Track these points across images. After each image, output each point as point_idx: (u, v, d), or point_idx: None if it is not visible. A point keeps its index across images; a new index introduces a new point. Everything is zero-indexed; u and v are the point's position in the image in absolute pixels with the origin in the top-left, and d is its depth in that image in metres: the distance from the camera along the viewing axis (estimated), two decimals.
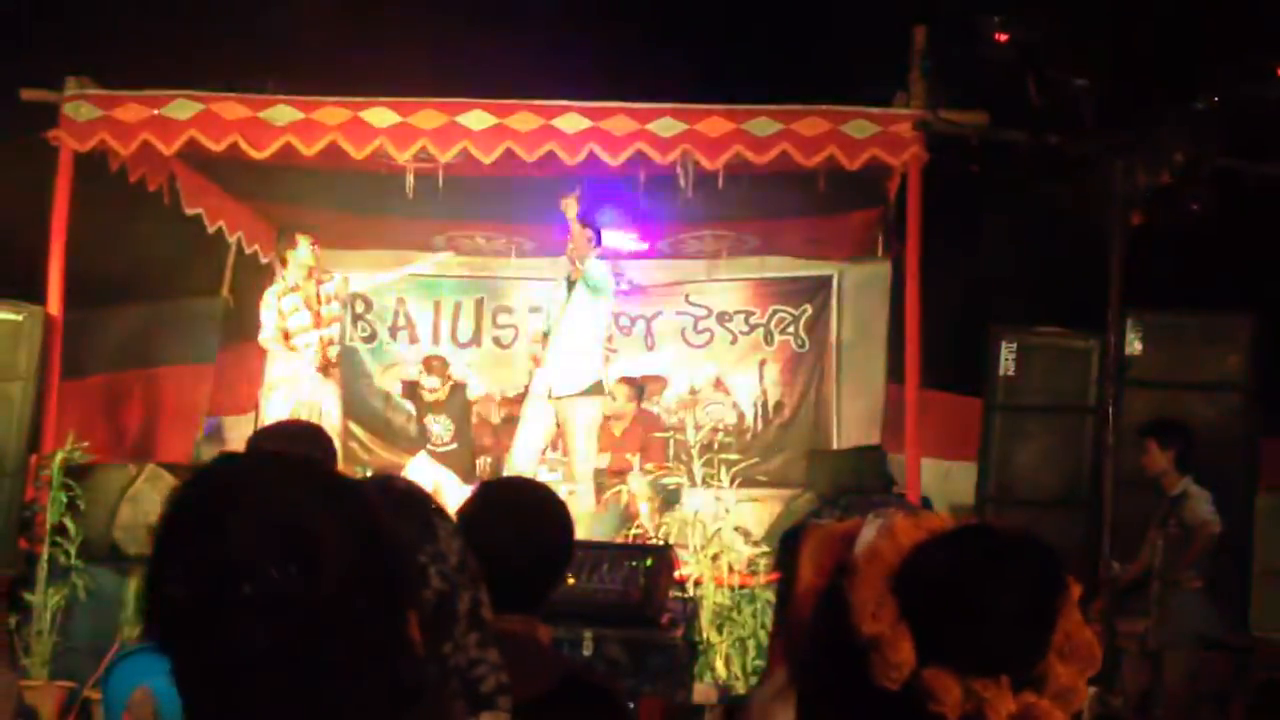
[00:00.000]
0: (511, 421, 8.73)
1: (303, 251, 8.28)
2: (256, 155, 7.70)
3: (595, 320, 8.18)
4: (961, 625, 1.08)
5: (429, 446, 8.76)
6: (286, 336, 8.23)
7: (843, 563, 1.65)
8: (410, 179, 8.39)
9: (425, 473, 8.39)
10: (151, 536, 1.24)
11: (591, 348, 8.16)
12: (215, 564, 1.15)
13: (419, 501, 1.87)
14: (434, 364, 8.93)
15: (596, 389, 8.17)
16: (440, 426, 8.74)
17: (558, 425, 8.15)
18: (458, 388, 8.92)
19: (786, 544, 1.77)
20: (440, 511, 1.89)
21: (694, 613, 6.30)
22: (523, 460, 8.13)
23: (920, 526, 1.14)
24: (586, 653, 4.72)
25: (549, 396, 8.09)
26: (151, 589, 1.20)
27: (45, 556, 6.91)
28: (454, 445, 8.73)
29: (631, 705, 2.62)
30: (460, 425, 8.79)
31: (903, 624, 1.08)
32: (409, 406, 9.18)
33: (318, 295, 8.30)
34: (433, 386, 8.77)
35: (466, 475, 8.52)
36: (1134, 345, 6.59)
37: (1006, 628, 1.08)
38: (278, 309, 8.22)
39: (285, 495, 1.21)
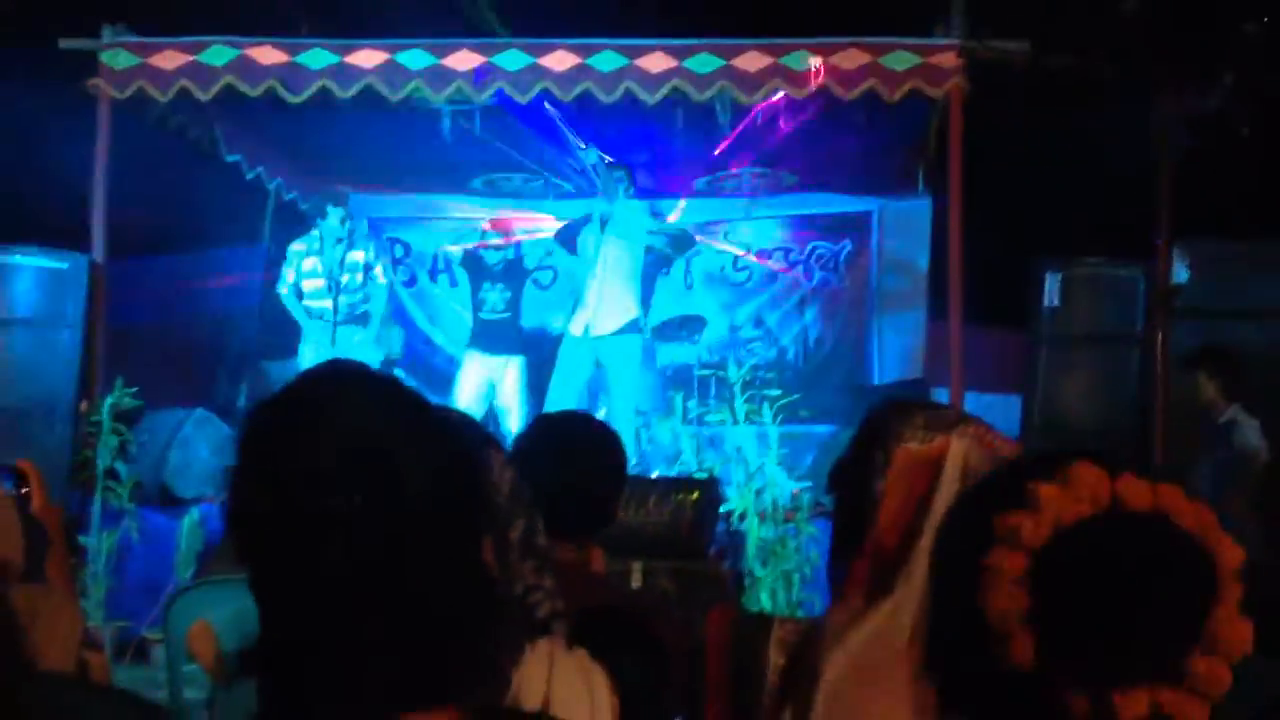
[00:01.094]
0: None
1: (333, 223, 8.30)
2: (293, 100, 7.69)
3: (630, 260, 8.17)
4: (1103, 638, 1.00)
5: (480, 316, 8.77)
6: (300, 296, 8.31)
7: (933, 493, 1.60)
8: (447, 122, 8.39)
9: (472, 374, 8.48)
10: (236, 449, 1.26)
11: (628, 286, 8.15)
12: (298, 480, 1.17)
13: (471, 432, 1.89)
14: (499, 224, 8.93)
15: (633, 327, 8.18)
16: (496, 294, 8.75)
17: (596, 365, 8.18)
18: (517, 260, 8.93)
19: (850, 465, 1.72)
20: (492, 440, 1.91)
21: (740, 545, 6.33)
22: (561, 402, 8.16)
23: (1070, 496, 1.02)
24: (635, 584, 4.76)
25: (587, 336, 8.11)
26: (234, 502, 1.23)
27: (98, 500, 7.01)
28: (507, 314, 8.75)
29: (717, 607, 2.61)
30: (515, 295, 8.79)
31: (1028, 626, 1.01)
32: (465, 278, 9.12)
33: (342, 263, 8.31)
34: (497, 243, 8.76)
35: (514, 345, 8.58)
36: (1180, 274, 6.52)
37: (1153, 641, 1.01)
38: (297, 267, 8.28)
39: (370, 414, 1.22)
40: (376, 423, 1.22)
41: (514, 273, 8.89)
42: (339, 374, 1.29)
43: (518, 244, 9.30)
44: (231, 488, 1.24)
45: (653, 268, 8.90)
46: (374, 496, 1.17)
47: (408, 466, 1.19)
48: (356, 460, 1.18)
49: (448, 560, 1.21)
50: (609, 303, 8.05)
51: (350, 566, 1.16)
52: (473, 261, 9.00)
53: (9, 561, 1.98)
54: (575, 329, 8.19)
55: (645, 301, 8.59)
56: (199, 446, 7.39)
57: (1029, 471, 1.06)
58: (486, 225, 9.13)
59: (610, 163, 8.21)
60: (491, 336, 8.67)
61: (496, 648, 1.32)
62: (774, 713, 1.59)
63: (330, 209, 8.36)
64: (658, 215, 9.47)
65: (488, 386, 8.61)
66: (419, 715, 1.17)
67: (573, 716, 1.65)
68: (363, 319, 8.41)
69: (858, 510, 1.63)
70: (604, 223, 8.10)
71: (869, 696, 1.46)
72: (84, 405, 7.40)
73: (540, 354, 8.70)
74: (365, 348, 8.36)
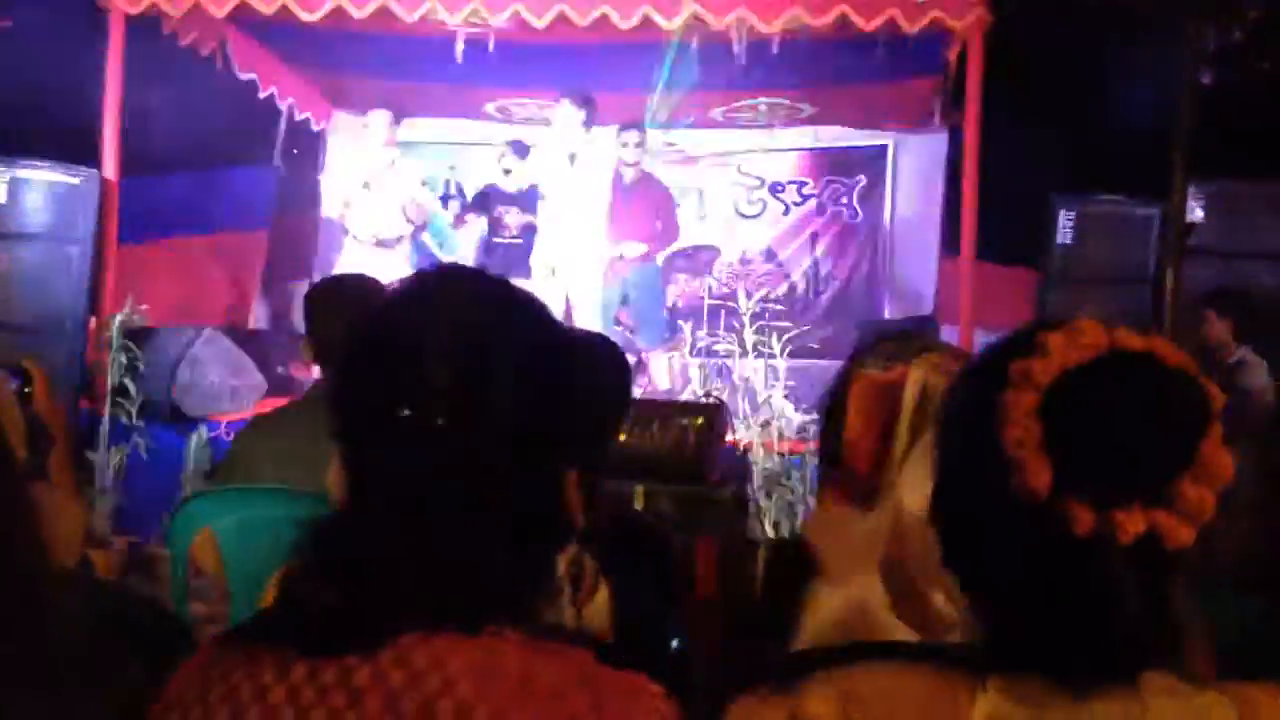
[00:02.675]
0: None
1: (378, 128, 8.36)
2: (307, 18, 7.62)
3: (595, 196, 8.17)
4: (1105, 460, 1.10)
5: (494, 240, 8.77)
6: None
7: (895, 411, 1.67)
8: (460, 44, 8.31)
9: None
10: (344, 347, 1.30)
11: (594, 225, 8.17)
12: (395, 384, 1.22)
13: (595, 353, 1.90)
14: (518, 146, 8.88)
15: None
16: (512, 217, 8.73)
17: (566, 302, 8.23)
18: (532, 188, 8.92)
19: (832, 393, 1.80)
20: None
21: (745, 472, 6.36)
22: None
23: (1074, 344, 1.13)
24: (638, 506, 4.78)
25: (553, 274, 8.15)
26: (340, 393, 1.28)
27: (107, 416, 7.05)
28: (519, 239, 8.72)
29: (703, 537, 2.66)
30: (529, 220, 8.73)
31: (1044, 452, 1.10)
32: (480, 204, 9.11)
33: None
34: (510, 168, 8.74)
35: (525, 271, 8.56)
36: (1195, 213, 6.47)
37: (1150, 463, 1.11)
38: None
39: (475, 331, 1.26)
40: (482, 343, 1.25)
41: (529, 198, 8.85)
42: (460, 284, 1.32)
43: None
44: (339, 378, 1.29)
45: (666, 199, 8.87)
46: (459, 416, 1.21)
47: (501, 393, 1.23)
48: (450, 377, 1.22)
49: (523, 488, 1.24)
50: (573, 239, 8.11)
51: (425, 475, 1.21)
52: (483, 197, 8.96)
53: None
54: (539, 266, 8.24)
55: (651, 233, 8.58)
56: (208, 365, 7.40)
57: (1037, 328, 1.18)
58: (503, 151, 9.04)
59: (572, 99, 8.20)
60: (505, 259, 8.67)
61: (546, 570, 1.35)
62: (762, 610, 1.66)
63: (372, 114, 8.39)
64: (669, 145, 9.45)
65: None
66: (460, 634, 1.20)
67: None
68: (394, 241, 8.44)
69: (833, 436, 1.69)
70: (572, 157, 8.11)
71: (840, 584, 1.53)
72: (94, 322, 7.42)
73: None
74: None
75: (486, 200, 8.90)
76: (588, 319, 8.02)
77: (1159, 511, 1.10)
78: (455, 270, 1.38)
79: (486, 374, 1.22)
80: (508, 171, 8.86)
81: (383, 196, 8.44)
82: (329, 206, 9.16)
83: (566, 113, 8.19)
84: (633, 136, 8.58)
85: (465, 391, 1.21)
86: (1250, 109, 6.49)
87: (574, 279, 8.21)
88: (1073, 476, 1.10)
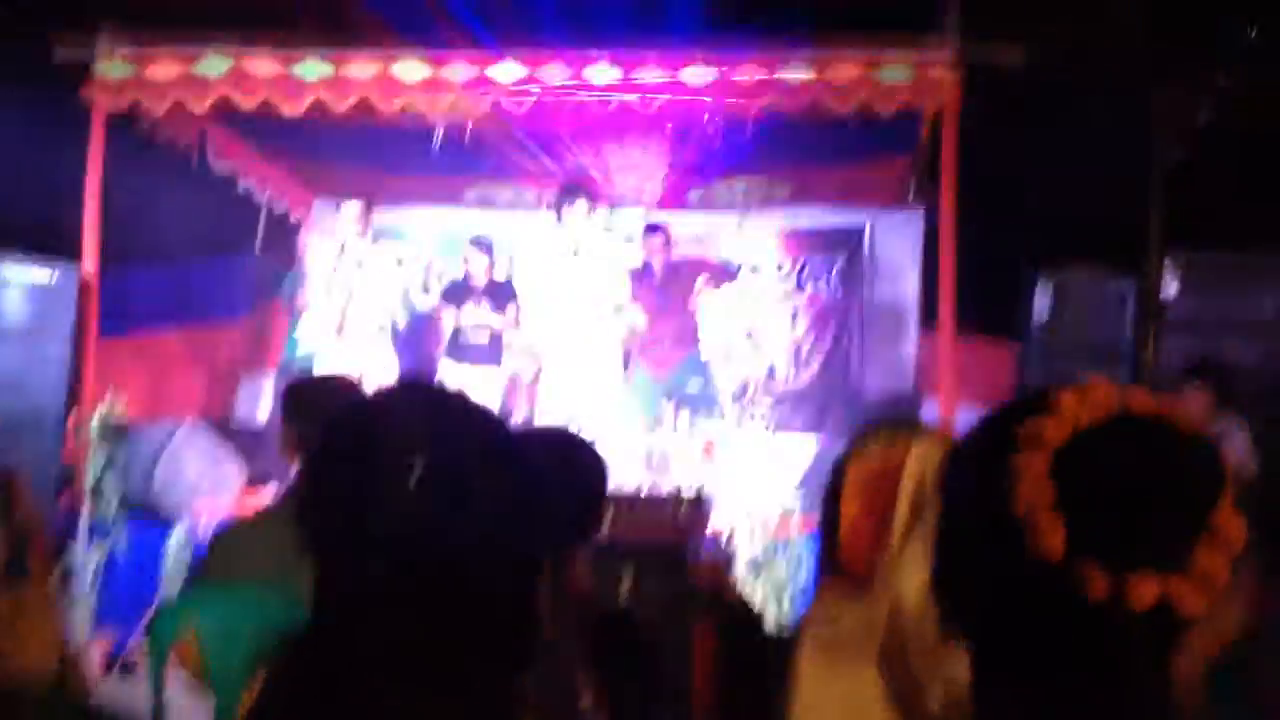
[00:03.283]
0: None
1: (348, 219, 8.45)
2: (288, 113, 7.67)
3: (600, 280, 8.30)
4: (1119, 522, 1.09)
5: (461, 332, 8.78)
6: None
7: (893, 498, 1.66)
8: (440, 134, 8.37)
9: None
10: (308, 462, 1.30)
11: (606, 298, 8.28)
12: (370, 496, 1.20)
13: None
14: (480, 242, 8.90)
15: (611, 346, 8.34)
16: (482, 311, 8.74)
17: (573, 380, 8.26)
18: (503, 284, 8.93)
19: (829, 485, 1.80)
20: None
21: (729, 560, 6.31)
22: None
23: (1086, 404, 1.12)
24: (624, 594, 4.73)
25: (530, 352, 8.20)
26: (309, 510, 1.26)
27: (86, 514, 6.97)
28: (487, 331, 8.73)
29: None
30: (499, 311, 8.74)
31: (1058, 513, 1.09)
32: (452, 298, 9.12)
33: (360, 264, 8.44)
34: (475, 273, 8.77)
35: (494, 358, 8.61)
36: (1170, 287, 6.53)
37: (1164, 528, 1.09)
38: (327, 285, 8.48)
39: (451, 441, 1.25)
40: (459, 453, 1.24)
41: (500, 291, 8.86)
42: (425, 398, 1.32)
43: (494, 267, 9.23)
44: (305, 499, 1.28)
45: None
46: (439, 521, 1.20)
47: (479, 497, 1.22)
48: (430, 484, 1.21)
49: (502, 591, 1.24)
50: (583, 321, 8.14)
51: (407, 583, 1.20)
52: (455, 289, 8.98)
53: None
54: (551, 346, 8.25)
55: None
56: (187, 460, 7.34)
57: (1049, 389, 1.17)
58: (470, 248, 9.07)
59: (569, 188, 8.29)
60: (473, 351, 8.68)
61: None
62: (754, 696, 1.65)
63: (344, 204, 8.46)
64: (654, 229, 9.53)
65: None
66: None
67: None
68: (370, 330, 8.47)
69: (831, 527, 1.68)
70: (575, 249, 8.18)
71: (836, 675, 1.51)
72: (73, 418, 7.37)
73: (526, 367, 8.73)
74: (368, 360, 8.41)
75: (459, 292, 8.91)
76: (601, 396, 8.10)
77: (1173, 578, 1.08)
78: (414, 387, 1.37)
79: (455, 488, 1.22)
80: (477, 262, 8.89)
81: (358, 286, 8.47)
82: (305, 297, 9.16)
83: (577, 208, 8.22)
84: (658, 238, 8.79)
85: (432, 504, 1.20)
86: (1222, 182, 6.57)
87: (581, 367, 8.21)
88: (1086, 540, 1.08)
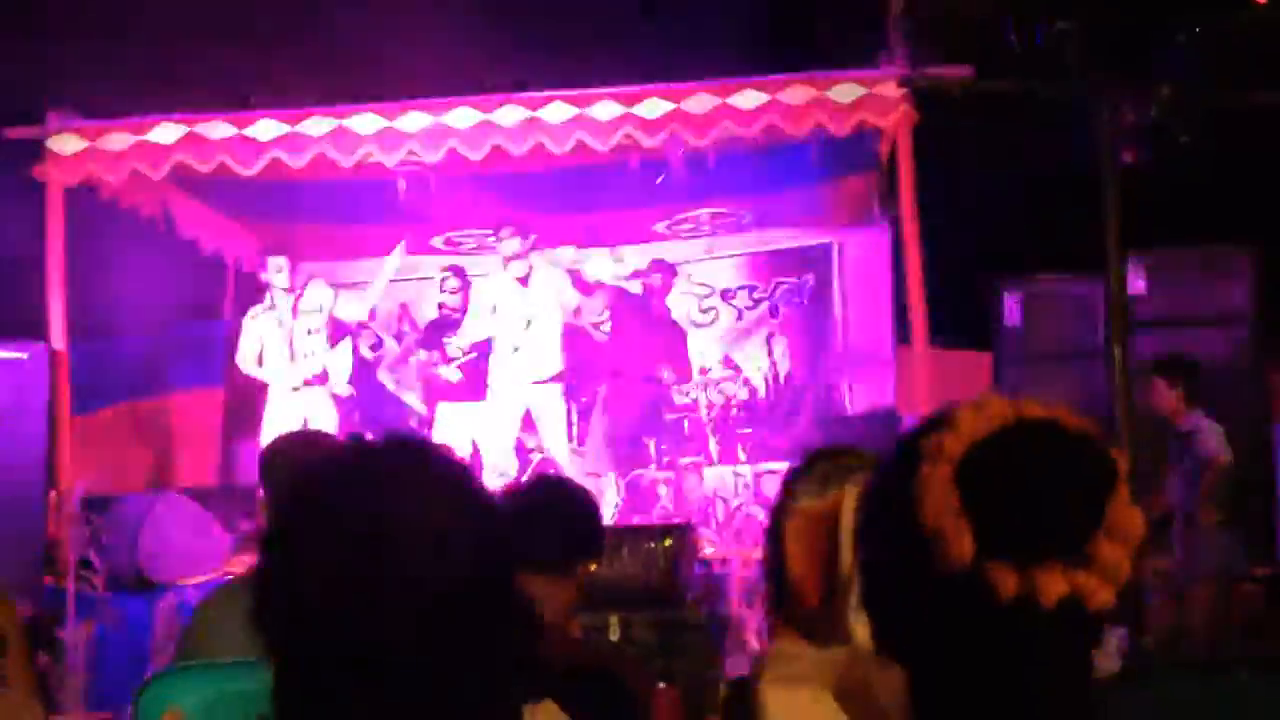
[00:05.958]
0: None
1: (275, 275, 8.45)
2: (245, 173, 7.69)
3: (556, 310, 8.41)
4: (1020, 519, 1.12)
5: (440, 369, 8.80)
6: (260, 362, 8.49)
7: (835, 541, 1.66)
8: (401, 184, 8.39)
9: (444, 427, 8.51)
10: (265, 538, 1.26)
11: (555, 336, 8.34)
12: (354, 561, 1.19)
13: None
14: (458, 271, 8.99)
15: (562, 376, 8.44)
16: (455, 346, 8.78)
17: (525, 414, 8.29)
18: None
19: (769, 528, 1.80)
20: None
21: (721, 589, 6.30)
22: (498, 451, 8.25)
23: (982, 417, 1.16)
24: (614, 637, 4.73)
25: (516, 384, 8.22)
26: (276, 589, 1.23)
27: (72, 591, 6.93)
28: (473, 354, 8.76)
29: (662, 685, 2.64)
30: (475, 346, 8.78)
31: (964, 518, 1.12)
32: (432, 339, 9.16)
33: (294, 311, 8.45)
34: (452, 289, 8.83)
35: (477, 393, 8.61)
36: (1137, 285, 6.56)
37: (1063, 520, 1.13)
38: (255, 333, 8.40)
39: (426, 493, 1.25)
40: (433, 504, 1.24)
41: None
42: (393, 455, 1.29)
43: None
44: (267, 579, 1.25)
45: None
46: (429, 572, 1.19)
47: (458, 547, 1.22)
48: (412, 540, 1.20)
49: (480, 643, 1.23)
50: (538, 350, 8.25)
51: (407, 638, 1.19)
52: (435, 326, 9.01)
53: None
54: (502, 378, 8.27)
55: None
56: (171, 528, 7.30)
57: (948, 409, 1.21)
58: (445, 276, 9.14)
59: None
60: (453, 386, 8.71)
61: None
62: None
63: (270, 260, 8.48)
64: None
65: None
66: None
67: None
68: (323, 377, 8.46)
69: (776, 572, 1.68)
70: (524, 279, 8.26)
71: (798, 700, 1.52)
72: (53, 495, 7.33)
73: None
74: (327, 407, 8.41)
75: (433, 333, 8.95)
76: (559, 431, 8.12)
77: (1078, 572, 1.12)
78: (394, 443, 1.36)
79: (445, 534, 1.21)
80: (454, 293, 8.94)
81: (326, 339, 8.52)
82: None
83: (509, 242, 8.33)
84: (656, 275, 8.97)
85: (432, 552, 1.20)
86: (1179, 181, 6.63)
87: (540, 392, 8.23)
88: (992, 541, 1.12)
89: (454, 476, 1.29)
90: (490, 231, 9.17)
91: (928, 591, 1.15)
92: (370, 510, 1.22)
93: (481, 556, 1.25)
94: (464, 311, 8.87)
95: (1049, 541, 1.12)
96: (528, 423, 8.41)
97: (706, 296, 10.32)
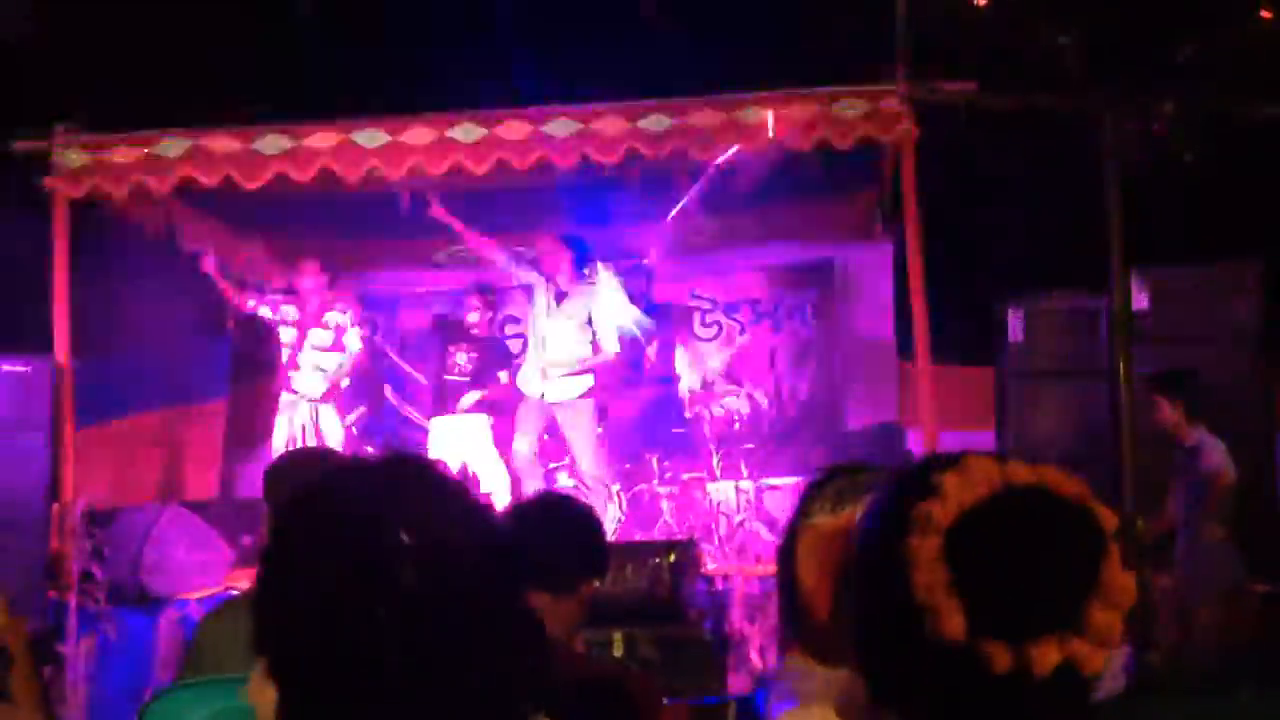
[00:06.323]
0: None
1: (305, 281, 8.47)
2: (250, 187, 7.69)
3: (584, 324, 8.32)
4: (1012, 596, 1.13)
5: (445, 377, 8.80)
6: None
7: (850, 558, 1.66)
8: (406, 197, 8.40)
9: (444, 439, 8.47)
10: (267, 553, 1.26)
11: (583, 351, 8.25)
12: (354, 576, 1.19)
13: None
14: (485, 296, 8.98)
15: (593, 391, 8.33)
16: (463, 357, 8.77)
17: (548, 428, 8.24)
18: (496, 338, 8.96)
19: (783, 546, 1.79)
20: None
21: (723, 605, 6.28)
22: (523, 465, 8.21)
23: (968, 484, 1.16)
24: (617, 654, 4.71)
25: (543, 398, 8.16)
26: (276, 604, 1.23)
27: (74, 605, 6.92)
28: (466, 378, 8.76)
29: (670, 703, 2.64)
30: (482, 358, 8.80)
31: (954, 594, 1.13)
32: (436, 341, 9.13)
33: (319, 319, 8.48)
34: (473, 321, 8.85)
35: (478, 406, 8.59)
36: (1140, 301, 6.55)
37: (1055, 593, 1.13)
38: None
39: (428, 509, 1.25)
40: (436, 519, 1.24)
41: (487, 341, 8.91)
42: (398, 470, 1.30)
43: (495, 317, 9.33)
44: (269, 593, 1.25)
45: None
46: (430, 584, 1.19)
47: (460, 558, 1.22)
48: (414, 553, 1.20)
49: (484, 658, 1.22)
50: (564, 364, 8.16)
51: (406, 648, 1.18)
52: (446, 326, 9.04)
53: None
54: (530, 392, 8.26)
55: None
56: (173, 542, 7.30)
57: (932, 468, 1.20)
58: (470, 295, 9.14)
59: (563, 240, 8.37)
60: (454, 397, 8.70)
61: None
62: None
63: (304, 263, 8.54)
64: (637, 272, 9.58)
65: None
66: None
67: None
68: (333, 392, 8.48)
69: (789, 588, 1.67)
70: (560, 298, 8.20)
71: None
72: (56, 508, 7.32)
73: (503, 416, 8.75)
74: (334, 423, 8.42)
75: (452, 332, 8.99)
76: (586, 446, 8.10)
77: (1072, 640, 1.12)
78: (396, 463, 1.36)
79: (447, 547, 1.21)
80: (475, 311, 8.94)
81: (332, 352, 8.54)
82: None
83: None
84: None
85: (434, 566, 1.20)
86: (1183, 196, 6.63)
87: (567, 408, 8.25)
88: (985, 616, 1.12)
89: (454, 492, 1.29)
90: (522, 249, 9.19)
91: (920, 657, 1.16)
92: (371, 525, 1.21)
93: (483, 571, 1.25)
94: (485, 328, 8.87)
95: (1042, 616, 1.13)
96: (553, 433, 8.37)
97: (709, 311, 10.31)
